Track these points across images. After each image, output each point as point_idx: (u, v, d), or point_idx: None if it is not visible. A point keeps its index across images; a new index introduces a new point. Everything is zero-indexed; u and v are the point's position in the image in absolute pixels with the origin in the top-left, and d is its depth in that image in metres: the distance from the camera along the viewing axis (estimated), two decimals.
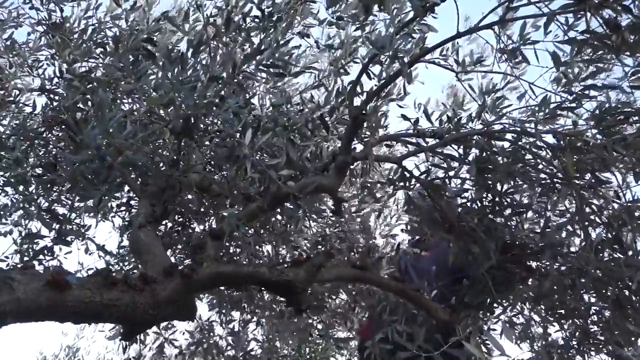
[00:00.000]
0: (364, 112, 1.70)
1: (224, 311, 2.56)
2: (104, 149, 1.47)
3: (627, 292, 1.49)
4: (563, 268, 1.61)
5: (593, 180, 1.47)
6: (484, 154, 1.58)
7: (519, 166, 1.55)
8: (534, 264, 1.79)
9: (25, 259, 1.99)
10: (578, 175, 1.46)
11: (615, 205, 1.49)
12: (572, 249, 1.63)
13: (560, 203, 1.52)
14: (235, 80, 1.72)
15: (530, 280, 1.80)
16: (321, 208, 2.27)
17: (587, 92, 1.41)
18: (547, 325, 1.79)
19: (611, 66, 1.41)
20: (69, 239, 2.02)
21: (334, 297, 2.68)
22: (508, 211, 1.65)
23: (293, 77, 2.10)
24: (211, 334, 2.52)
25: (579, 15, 1.32)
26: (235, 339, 2.52)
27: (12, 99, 2.19)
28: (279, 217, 2.29)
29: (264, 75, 1.87)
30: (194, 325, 2.58)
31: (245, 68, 1.69)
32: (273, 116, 1.80)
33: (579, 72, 1.44)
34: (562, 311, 1.72)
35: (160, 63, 1.64)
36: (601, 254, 1.50)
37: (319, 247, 2.40)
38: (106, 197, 1.63)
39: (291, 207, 2.04)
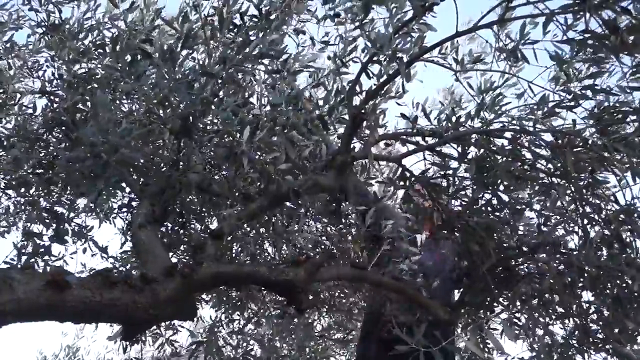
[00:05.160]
0: (363, 111, 1.70)
1: (227, 311, 2.56)
2: (100, 147, 1.46)
3: (626, 290, 1.49)
4: (562, 267, 1.61)
5: (591, 180, 1.47)
6: (484, 153, 1.58)
7: (518, 165, 1.56)
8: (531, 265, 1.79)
9: (24, 258, 1.99)
10: (577, 174, 1.46)
11: (615, 205, 1.49)
12: (571, 247, 1.63)
13: (559, 201, 1.52)
14: (228, 75, 1.71)
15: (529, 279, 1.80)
16: (322, 207, 2.27)
17: (585, 92, 1.41)
18: (548, 323, 1.80)
19: (610, 66, 1.41)
20: (66, 238, 2.02)
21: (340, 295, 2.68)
22: (507, 210, 1.65)
23: (292, 76, 2.10)
24: (213, 333, 2.52)
25: (579, 16, 1.32)
26: (238, 338, 2.52)
27: (13, 102, 2.19)
28: (279, 216, 2.29)
29: (259, 68, 1.86)
30: (196, 325, 2.59)
31: (237, 61, 1.68)
32: (272, 115, 1.80)
33: (578, 72, 1.44)
34: (562, 310, 1.72)
35: (156, 63, 1.64)
36: (600, 252, 1.50)
37: (319, 246, 2.40)
38: (103, 195, 1.63)
39: (291, 206, 2.04)
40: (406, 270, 1.88)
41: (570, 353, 1.66)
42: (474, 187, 1.65)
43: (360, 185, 2.12)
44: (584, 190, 1.51)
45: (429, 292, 1.96)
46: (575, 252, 1.53)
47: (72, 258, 2.17)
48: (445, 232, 1.79)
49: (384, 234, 1.89)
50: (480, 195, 1.67)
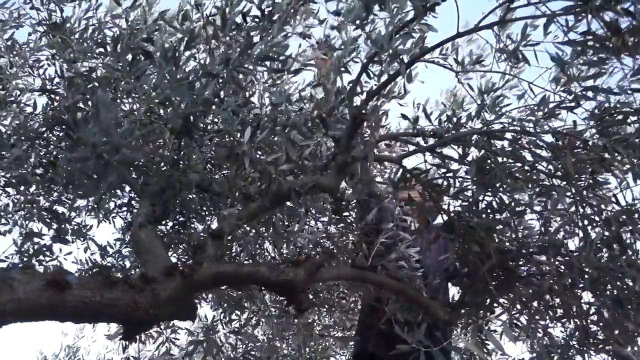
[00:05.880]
0: (363, 111, 1.70)
1: (226, 311, 2.56)
2: (101, 147, 1.47)
3: (626, 292, 1.49)
4: (562, 268, 1.61)
5: (591, 181, 1.47)
6: (484, 154, 1.58)
7: (518, 165, 1.56)
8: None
9: (25, 258, 2.00)
10: (577, 175, 1.46)
11: (615, 206, 1.49)
12: (572, 248, 1.63)
13: (560, 203, 1.52)
14: (232, 76, 1.71)
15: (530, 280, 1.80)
16: (322, 206, 2.27)
17: (586, 93, 1.41)
18: (548, 325, 1.80)
19: (611, 68, 1.41)
20: (68, 238, 2.02)
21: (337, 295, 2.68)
22: (508, 211, 1.65)
23: (292, 75, 2.09)
24: (213, 333, 2.52)
25: (580, 17, 1.32)
26: (237, 338, 2.53)
27: (13, 99, 2.19)
28: (279, 216, 2.29)
29: (260, 69, 1.86)
30: (195, 324, 2.59)
31: (239, 62, 1.68)
32: (272, 115, 1.80)
33: (579, 73, 1.44)
34: (562, 311, 1.72)
35: (158, 62, 1.64)
36: (600, 253, 1.50)
37: (320, 246, 2.40)
38: (105, 196, 1.63)
39: (292, 205, 2.04)
40: (405, 267, 1.88)
41: (570, 354, 1.66)
42: (475, 188, 1.65)
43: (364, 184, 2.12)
44: (585, 192, 1.51)
45: (429, 290, 1.96)
46: (575, 254, 1.53)
47: (69, 254, 2.17)
48: (446, 232, 1.79)
49: (382, 227, 1.90)
50: (481, 197, 1.67)
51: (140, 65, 1.67)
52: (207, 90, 1.65)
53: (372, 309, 2.10)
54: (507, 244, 1.72)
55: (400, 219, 2.12)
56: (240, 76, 1.82)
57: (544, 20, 1.35)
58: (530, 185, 1.59)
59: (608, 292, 1.54)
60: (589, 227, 1.52)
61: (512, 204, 1.62)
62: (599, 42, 1.26)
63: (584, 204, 1.51)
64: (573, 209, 1.54)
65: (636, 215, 1.44)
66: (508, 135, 1.60)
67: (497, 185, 1.60)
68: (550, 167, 1.55)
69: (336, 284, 2.58)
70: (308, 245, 2.33)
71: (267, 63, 1.76)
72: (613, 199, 1.51)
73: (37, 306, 1.20)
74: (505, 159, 1.56)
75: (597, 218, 1.51)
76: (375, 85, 1.75)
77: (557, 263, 1.59)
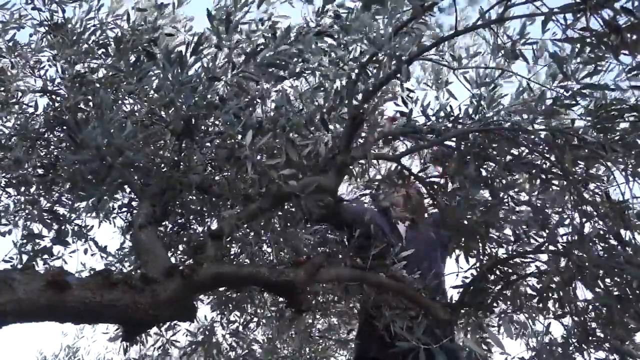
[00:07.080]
0: (362, 111, 1.70)
1: (225, 312, 2.56)
2: (104, 149, 1.47)
3: (626, 288, 1.48)
4: (561, 264, 1.60)
5: (588, 176, 1.47)
6: (481, 151, 1.59)
7: (515, 161, 1.56)
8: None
9: (25, 258, 2.00)
10: (574, 170, 1.46)
11: (611, 202, 1.49)
12: (569, 244, 1.62)
13: (557, 198, 1.52)
14: (235, 81, 1.72)
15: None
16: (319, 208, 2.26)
17: (584, 90, 1.41)
18: (549, 324, 1.79)
19: (609, 65, 1.41)
20: (68, 239, 2.03)
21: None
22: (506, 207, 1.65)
23: (294, 79, 2.10)
24: (212, 334, 2.52)
25: (579, 15, 1.32)
26: (237, 340, 2.52)
27: (15, 99, 2.20)
28: (278, 219, 2.28)
29: (264, 75, 1.86)
30: (194, 326, 2.59)
31: (244, 68, 1.69)
32: (273, 117, 1.81)
33: (576, 69, 1.44)
34: (561, 308, 1.72)
35: (161, 64, 1.64)
36: (597, 249, 1.50)
37: (318, 248, 2.39)
38: (106, 197, 1.64)
39: (291, 209, 2.04)
40: (393, 260, 1.88)
41: (569, 351, 1.65)
42: (473, 185, 1.65)
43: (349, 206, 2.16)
44: (581, 187, 1.51)
45: (428, 291, 1.96)
46: (575, 251, 1.52)
47: (70, 257, 2.17)
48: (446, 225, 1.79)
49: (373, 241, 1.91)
50: (479, 193, 1.67)
51: (143, 67, 1.67)
52: (209, 93, 1.66)
53: (371, 317, 2.09)
54: (505, 238, 1.72)
55: (391, 224, 2.14)
56: (244, 80, 1.82)
57: (542, 18, 1.35)
58: (527, 180, 1.59)
59: (608, 289, 1.54)
60: (586, 223, 1.52)
61: (510, 199, 1.62)
62: (598, 39, 1.27)
63: (581, 200, 1.51)
64: (570, 205, 1.54)
65: (632, 211, 1.44)
66: (505, 132, 1.60)
67: (495, 180, 1.61)
68: (547, 162, 1.55)
69: (331, 287, 2.57)
70: (307, 246, 2.32)
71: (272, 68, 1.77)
72: (609, 195, 1.51)
73: (37, 307, 1.20)
74: (502, 156, 1.56)
75: (594, 213, 1.50)
76: (374, 85, 1.75)
77: (556, 260, 1.59)
